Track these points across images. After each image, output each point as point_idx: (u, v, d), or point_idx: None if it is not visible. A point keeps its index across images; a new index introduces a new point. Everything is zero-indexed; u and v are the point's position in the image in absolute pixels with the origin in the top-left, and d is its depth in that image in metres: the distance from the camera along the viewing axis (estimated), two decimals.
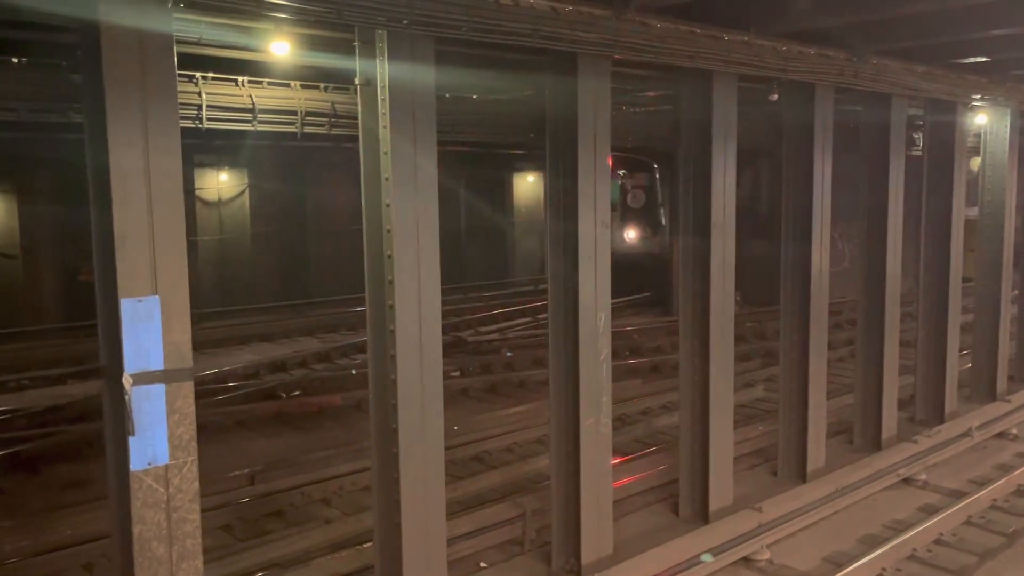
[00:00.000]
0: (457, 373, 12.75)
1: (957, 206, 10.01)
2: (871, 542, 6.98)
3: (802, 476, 8.21)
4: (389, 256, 5.08)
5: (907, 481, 8.45)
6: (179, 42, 4.22)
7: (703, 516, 7.29)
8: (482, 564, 6.70)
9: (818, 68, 7.63)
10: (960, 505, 7.53)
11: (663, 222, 20.08)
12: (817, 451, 8.38)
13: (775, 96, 7.71)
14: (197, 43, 6.77)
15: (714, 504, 7.29)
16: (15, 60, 8.15)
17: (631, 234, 20.11)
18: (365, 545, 6.49)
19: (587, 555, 6.34)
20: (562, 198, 6.19)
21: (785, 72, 7.32)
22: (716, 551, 6.57)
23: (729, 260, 7.23)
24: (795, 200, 8.15)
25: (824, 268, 8.23)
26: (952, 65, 9.13)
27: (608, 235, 6.25)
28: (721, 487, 7.38)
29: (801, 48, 7.41)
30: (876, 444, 9.12)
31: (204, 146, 15.48)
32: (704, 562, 6.38)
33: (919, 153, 10.65)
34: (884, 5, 6.75)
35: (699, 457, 7.35)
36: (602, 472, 6.42)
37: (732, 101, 7.12)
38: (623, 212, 19.96)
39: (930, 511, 7.61)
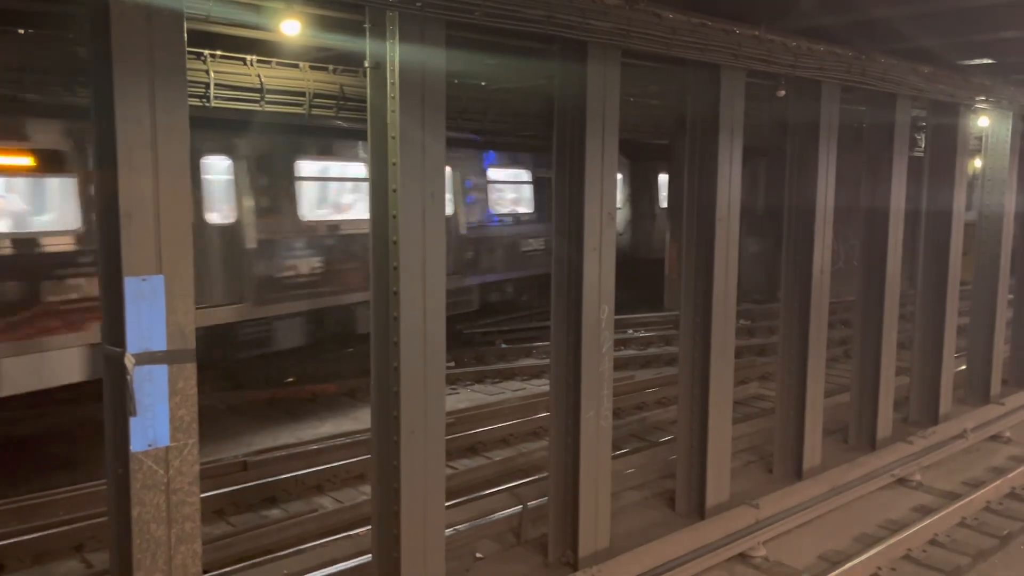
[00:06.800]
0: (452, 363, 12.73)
1: (957, 209, 9.98)
2: (866, 541, 6.99)
3: (798, 474, 8.21)
4: (395, 242, 5.03)
5: (902, 481, 8.47)
6: (188, 19, 4.14)
7: (700, 512, 7.28)
8: (478, 555, 6.66)
9: (826, 65, 7.60)
10: (954, 507, 7.55)
11: None
12: (813, 450, 8.37)
13: (782, 92, 7.66)
14: (206, 20, 6.66)
15: (711, 500, 7.28)
16: (20, 31, 7.96)
17: None
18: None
19: (584, 548, 6.32)
20: (568, 187, 6.14)
21: (794, 68, 7.27)
22: (712, 547, 6.56)
23: (732, 255, 7.19)
24: (799, 198, 8.12)
25: (826, 268, 8.20)
26: (957, 67, 9.12)
27: (614, 225, 6.20)
28: (718, 483, 7.36)
29: (810, 44, 7.36)
30: (871, 444, 9.13)
31: None
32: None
33: (920, 154, 10.60)
34: (884, 4, 6.71)
35: (697, 453, 7.32)
36: (602, 465, 6.38)
37: (740, 96, 7.07)
38: None
39: (924, 512, 7.63)
